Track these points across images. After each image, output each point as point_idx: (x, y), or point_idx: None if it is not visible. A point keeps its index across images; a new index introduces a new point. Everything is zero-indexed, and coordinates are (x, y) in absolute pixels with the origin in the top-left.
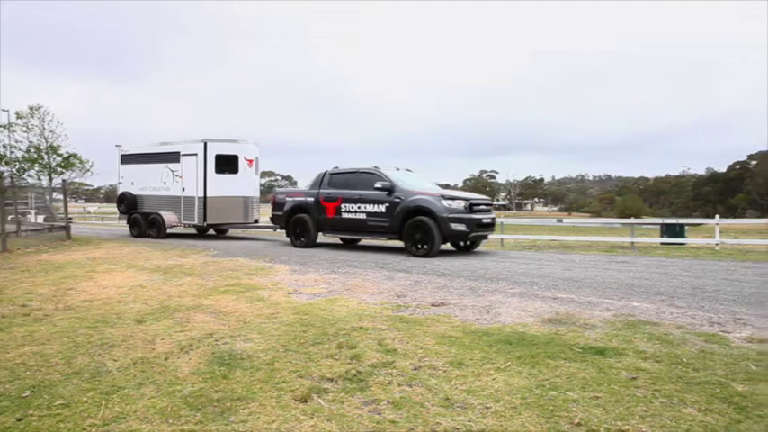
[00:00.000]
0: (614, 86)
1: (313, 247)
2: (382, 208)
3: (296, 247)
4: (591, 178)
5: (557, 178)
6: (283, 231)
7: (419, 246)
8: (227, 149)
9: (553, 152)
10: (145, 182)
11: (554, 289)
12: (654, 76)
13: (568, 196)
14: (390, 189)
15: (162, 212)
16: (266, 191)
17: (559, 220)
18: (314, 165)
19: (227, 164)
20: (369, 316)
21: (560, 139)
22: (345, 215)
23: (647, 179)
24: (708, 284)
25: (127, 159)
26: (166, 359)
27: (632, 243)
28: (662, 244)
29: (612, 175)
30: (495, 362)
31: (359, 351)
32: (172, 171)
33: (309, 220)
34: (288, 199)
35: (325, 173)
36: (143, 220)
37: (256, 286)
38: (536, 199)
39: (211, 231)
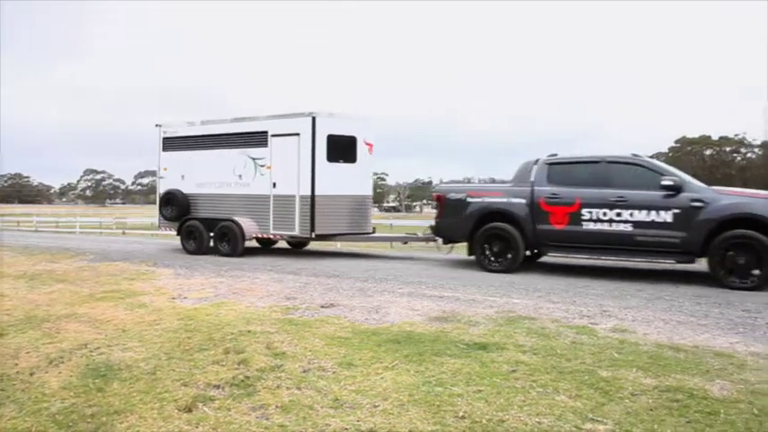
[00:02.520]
0: (500, 94)
1: (519, 272)
2: (667, 216)
3: (491, 271)
4: (477, 181)
5: (444, 181)
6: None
7: (748, 276)
8: (343, 128)
9: (438, 155)
10: (205, 175)
11: (441, 288)
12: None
13: None
14: (678, 188)
15: (238, 218)
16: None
17: None
18: None
19: (342, 149)
20: (257, 319)
21: (447, 141)
22: (590, 225)
23: None
24: (579, 281)
25: (174, 144)
26: (32, 374)
27: None
28: None
29: (496, 179)
30: (384, 361)
31: (247, 356)
32: (253, 159)
33: (515, 231)
34: (472, 199)
35: (536, 162)
36: (205, 230)
37: (137, 292)
38: (425, 201)
39: (310, 246)
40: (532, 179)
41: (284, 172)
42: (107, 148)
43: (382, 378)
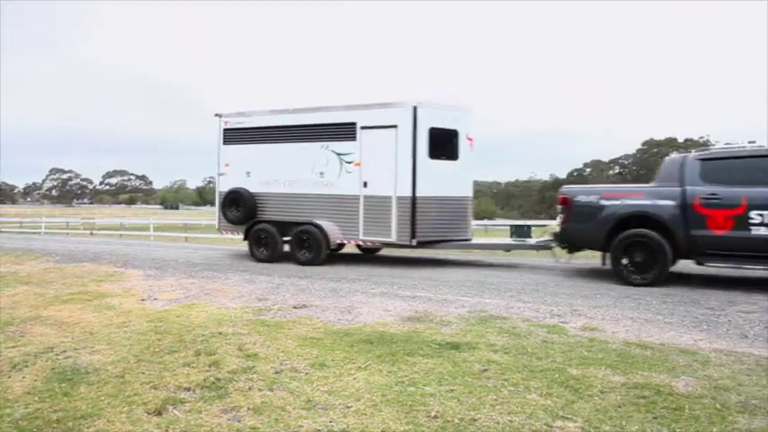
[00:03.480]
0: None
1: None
2: None
3: (633, 284)
4: None
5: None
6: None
7: None
8: (444, 120)
9: None
10: (277, 172)
11: (413, 288)
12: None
13: None
14: None
15: (321, 221)
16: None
17: None
18: (171, 164)
19: (443, 144)
20: (228, 321)
21: None
22: (762, 230)
23: (499, 183)
24: (550, 281)
25: (237, 136)
26: None
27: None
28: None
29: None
30: (357, 361)
31: (218, 357)
32: (338, 155)
33: (662, 238)
34: (608, 202)
35: (684, 159)
36: (279, 235)
37: (105, 294)
38: None
39: (407, 252)
40: (682, 178)
41: (377, 169)
42: (74, 146)
43: (355, 378)
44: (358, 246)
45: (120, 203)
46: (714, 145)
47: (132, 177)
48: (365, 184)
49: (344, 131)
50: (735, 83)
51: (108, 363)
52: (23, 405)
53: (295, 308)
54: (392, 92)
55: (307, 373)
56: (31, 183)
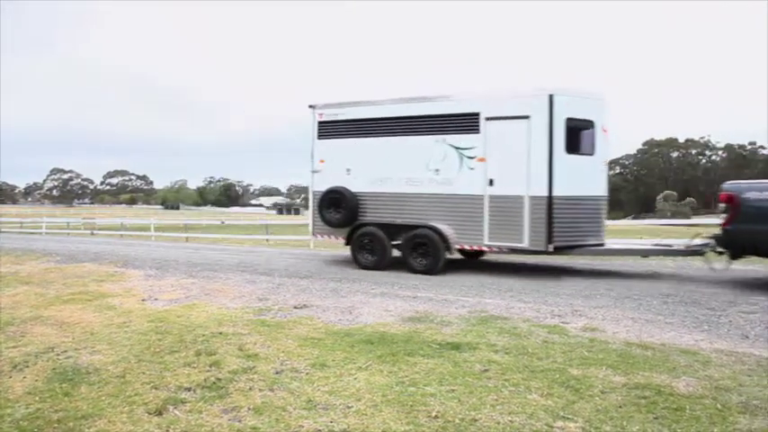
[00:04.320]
0: None
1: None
2: None
3: None
4: None
5: None
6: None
7: None
8: (581, 110)
9: None
10: (383, 169)
11: (414, 288)
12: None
13: None
14: None
15: (437, 224)
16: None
17: None
18: (171, 164)
19: (580, 137)
20: (229, 321)
21: None
22: None
23: None
24: (550, 281)
25: (335, 129)
26: None
27: None
28: None
29: None
30: (357, 361)
31: (218, 358)
32: (457, 149)
33: None
34: None
35: None
36: (387, 240)
37: (106, 294)
38: None
39: (534, 259)
40: None
41: (505, 166)
42: (74, 146)
43: (355, 379)
44: (461, 250)
45: (120, 203)
46: (716, 144)
47: (133, 177)
48: (491, 182)
49: (466, 123)
50: (735, 83)
51: (109, 363)
52: (24, 405)
53: (296, 308)
54: (392, 92)
55: (307, 374)
56: (31, 183)
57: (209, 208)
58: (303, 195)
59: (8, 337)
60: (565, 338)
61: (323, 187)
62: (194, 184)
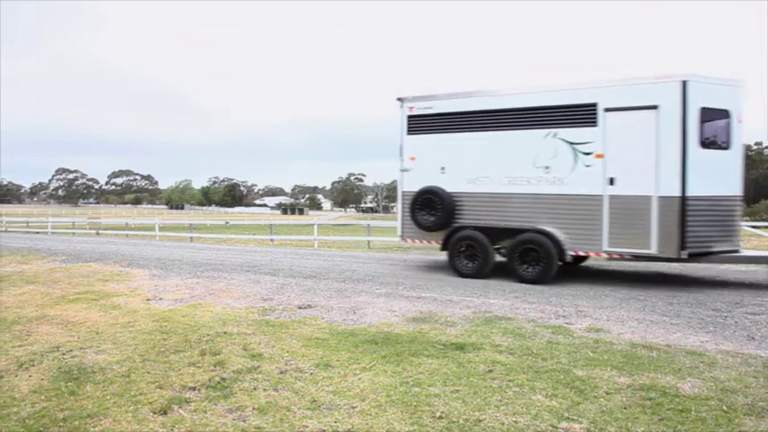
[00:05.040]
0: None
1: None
2: None
3: None
4: None
5: None
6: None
7: None
8: (716, 98)
9: None
10: (483, 167)
11: (418, 288)
12: None
13: None
14: None
15: (548, 228)
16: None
17: None
18: (176, 164)
19: (714, 129)
20: (233, 321)
21: None
22: None
23: None
24: (555, 282)
25: (427, 124)
26: (0, 378)
27: None
28: None
29: None
30: (362, 362)
31: (223, 357)
32: (571, 144)
33: None
34: None
35: None
36: (490, 245)
37: (111, 293)
38: None
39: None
40: None
41: (628, 163)
42: (80, 146)
43: (360, 379)
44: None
45: (126, 203)
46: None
47: (138, 177)
48: (611, 181)
49: (580, 115)
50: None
51: (114, 362)
52: (30, 404)
53: (300, 308)
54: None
55: (311, 374)
56: (37, 183)
57: (213, 208)
58: (307, 195)
59: (14, 336)
60: (569, 339)
61: (414, 187)
62: (199, 184)
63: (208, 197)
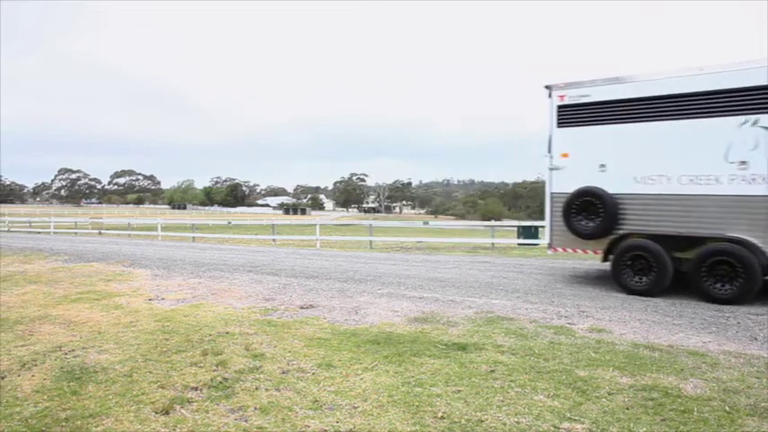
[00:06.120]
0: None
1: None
2: None
3: None
4: (456, 182)
5: (424, 182)
6: None
7: None
8: None
9: (414, 156)
10: (655, 163)
11: (420, 289)
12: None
13: (435, 199)
14: None
15: (747, 237)
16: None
17: (426, 223)
18: (177, 164)
19: None
20: (235, 321)
21: (420, 143)
22: None
23: (506, 184)
24: (557, 282)
25: (583, 115)
26: (2, 378)
27: (492, 244)
28: (519, 245)
29: (476, 180)
30: (363, 362)
31: (225, 357)
32: None
33: None
34: None
35: None
36: (667, 256)
37: (113, 293)
38: (404, 202)
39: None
40: None
41: None
42: (82, 146)
43: (362, 379)
44: None
45: (128, 203)
46: None
47: (140, 177)
48: None
49: None
50: None
51: (116, 362)
52: (33, 403)
53: (302, 308)
54: (394, 92)
55: (313, 374)
56: (40, 182)
57: (215, 208)
58: (309, 195)
59: (17, 336)
60: (572, 339)
61: (567, 188)
62: (201, 184)
63: (210, 197)
